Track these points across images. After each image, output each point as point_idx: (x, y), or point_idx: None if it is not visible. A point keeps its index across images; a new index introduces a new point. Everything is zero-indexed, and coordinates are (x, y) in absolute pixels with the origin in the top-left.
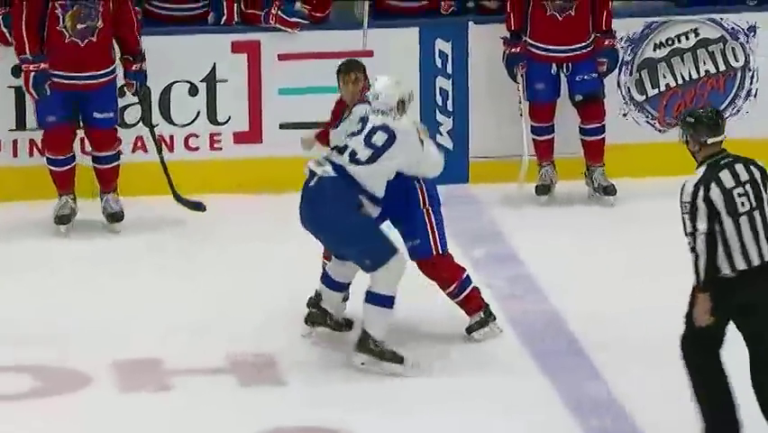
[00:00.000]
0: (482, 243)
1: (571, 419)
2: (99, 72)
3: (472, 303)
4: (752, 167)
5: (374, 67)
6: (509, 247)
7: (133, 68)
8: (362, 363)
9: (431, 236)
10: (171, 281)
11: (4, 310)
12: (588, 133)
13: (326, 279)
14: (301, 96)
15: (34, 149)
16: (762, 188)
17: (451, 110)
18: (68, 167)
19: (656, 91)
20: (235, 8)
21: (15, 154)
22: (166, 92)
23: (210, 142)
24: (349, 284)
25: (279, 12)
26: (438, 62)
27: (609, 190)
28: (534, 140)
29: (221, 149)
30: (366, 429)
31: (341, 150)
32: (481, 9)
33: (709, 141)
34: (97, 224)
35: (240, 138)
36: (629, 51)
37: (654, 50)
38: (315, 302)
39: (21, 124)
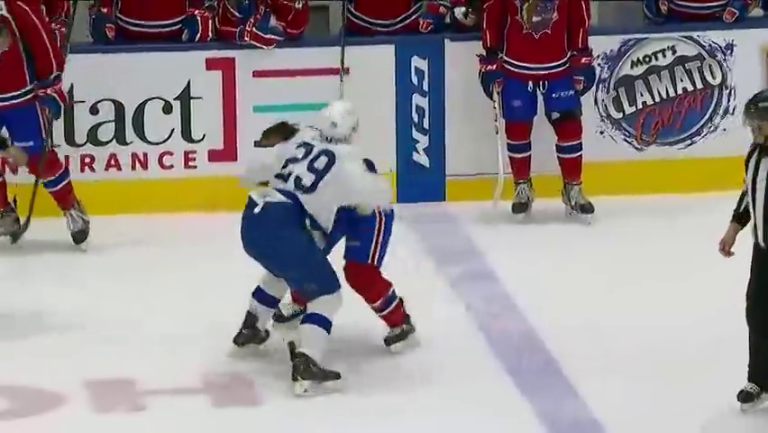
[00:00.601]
0: (459, 261)
1: None
2: (8, 95)
3: (396, 317)
4: None
5: (351, 84)
6: (486, 265)
7: (41, 93)
8: (305, 391)
9: (373, 244)
10: (144, 301)
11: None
12: (564, 150)
13: (257, 292)
14: (276, 113)
15: None
16: None
17: (427, 128)
18: None
19: (633, 109)
20: (210, 25)
21: None
22: (140, 110)
23: (185, 159)
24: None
25: (254, 28)
26: (414, 79)
27: (587, 208)
28: (510, 157)
29: (196, 167)
30: None
31: (284, 177)
32: (458, 26)
33: None
34: (65, 243)
35: (215, 156)
36: (606, 69)
37: (631, 67)
38: (251, 324)
39: None
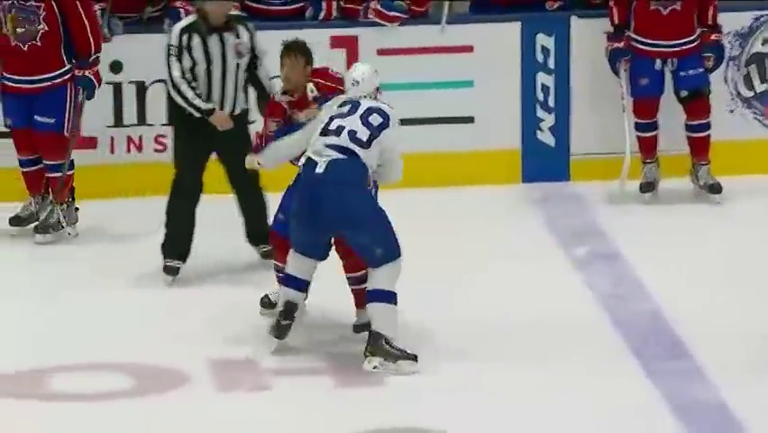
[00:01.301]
0: (584, 241)
1: (676, 423)
2: (43, 76)
3: (363, 297)
4: None
5: (475, 62)
6: (612, 246)
7: (77, 72)
8: (375, 367)
9: None
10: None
11: (103, 307)
12: (693, 129)
13: (291, 281)
14: (400, 91)
15: (131, 145)
16: None
17: (552, 106)
18: (30, 169)
19: (765, 87)
20: (335, 3)
21: (113, 151)
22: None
23: None
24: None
25: (379, 6)
26: (540, 57)
27: (715, 188)
28: (637, 137)
29: None
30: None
31: (336, 132)
32: (586, 2)
33: None
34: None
35: None
36: (737, 46)
37: (763, 44)
38: (291, 314)
39: (118, 120)
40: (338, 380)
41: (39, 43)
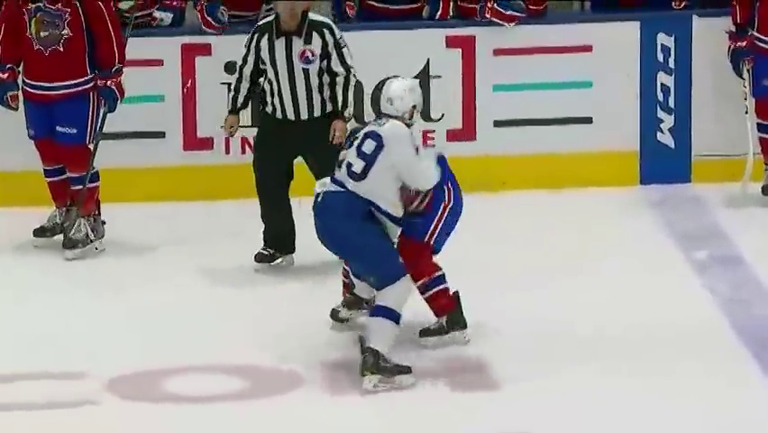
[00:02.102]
0: (705, 244)
1: None
2: (63, 83)
3: (439, 305)
4: None
5: (593, 62)
6: (734, 249)
7: (100, 83)
8: (374, 386)
9: (433, 226)
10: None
11: (213, 313)
12: None
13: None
14: (517, 92)
15: (246, 146)
16: None
17: (672, 107)
18: (54, 179)
19: None
20: (451, 2)
21: (227, 152)
22: (379, 89)
23: (423, 139)
24: None
25: (496, 5)
26: (660, 57)
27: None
28: (760, 138)
29: (434, 146)
30: None
31: (340, 165)
32: (706, 2)
33: None
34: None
35: (453, 136)
36: None
37: None
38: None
39: None
40: (453, 384)
41: (61, 48)
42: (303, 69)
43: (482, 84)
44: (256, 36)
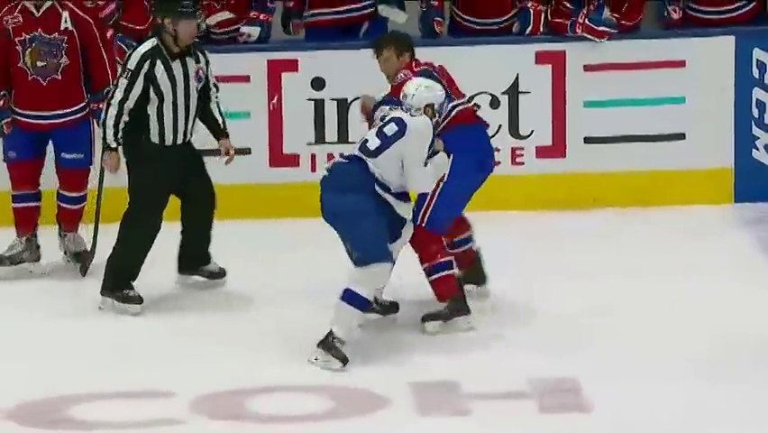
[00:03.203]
0: None
1: None
2: (66, 111)
3: (443, 290)
4: None
5: (686, 77)
6: None
7: (93, 106)
8: (315, 359)
9: (426, 204)
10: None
11: (289, 333)
12: None
13: None
14: (607, 108)
15: None
16: None
17: None
18: (26, 205)
19: None
20: (542, 17)
21: (314, 169)
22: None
23: (512, 156)
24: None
25: (587, 20)
26: (755, 73)
27: None
28: None
29: (523, 163)
30: None
31: (357, 143)
32: None
33: None
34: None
35: (543, 152)
36: None
37: None
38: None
39: (320, 137)
40: (541, 404)
41: (59, 77)
42: (196, 88)
43: (572, 100)
44: (146, 65)
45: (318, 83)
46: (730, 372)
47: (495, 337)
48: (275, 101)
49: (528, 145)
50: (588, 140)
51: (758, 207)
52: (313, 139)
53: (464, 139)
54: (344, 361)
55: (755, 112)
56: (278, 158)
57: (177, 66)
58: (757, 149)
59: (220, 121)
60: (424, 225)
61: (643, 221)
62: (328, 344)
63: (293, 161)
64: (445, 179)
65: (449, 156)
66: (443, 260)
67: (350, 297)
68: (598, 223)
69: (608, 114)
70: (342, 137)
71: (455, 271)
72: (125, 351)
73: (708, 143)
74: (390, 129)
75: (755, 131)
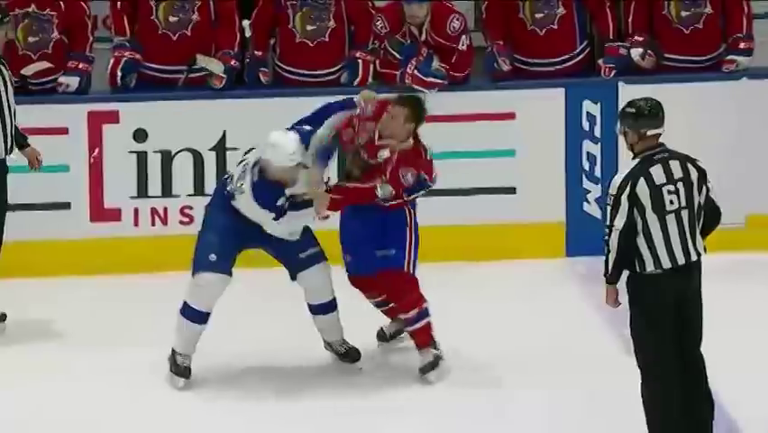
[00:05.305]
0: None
1: None
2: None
3: (425, 336)
4: (689, 165)
5: (517, 129)
6: None
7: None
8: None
9: (408, 252)
10: None
11: None
12: None
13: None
14: (438, 160)
15: (155, 217)
16: (695, 188)
17: (599, 176)
18: None
19: None
20: (370, 67)
21: (136, 223)
22: None
23: None
24: (327, 304)
25: (416, 71)
26: (585, 125)
27: None
28: None
29: None
30: None
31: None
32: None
33: (649, 132)
34: None
35: None
36: None
37: None
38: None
39: (143, 191)
40: None
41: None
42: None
43: None
44: None
45: (141, 135)
46: None
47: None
48: (95, 153)
49: None
50: None
51: (589, 261)
52: (135, 192)
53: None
54: (181, 374)
55: (586, 165)
56: (100, 212)
57: None
58: (588, 202)
59: (20, 129)
60: (411, 269)
61: (474, 275)
62: (171, 359)
63: (115, 215)
64: (413, 227)
65: (407, 209)
66: (425, 307)
67: (182, 308)
68: (424, 277)
69: (438, 166)
70: (167, 190)
71: (431, 317)
72: None
73: (539, 197)
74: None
75: (586, 184)
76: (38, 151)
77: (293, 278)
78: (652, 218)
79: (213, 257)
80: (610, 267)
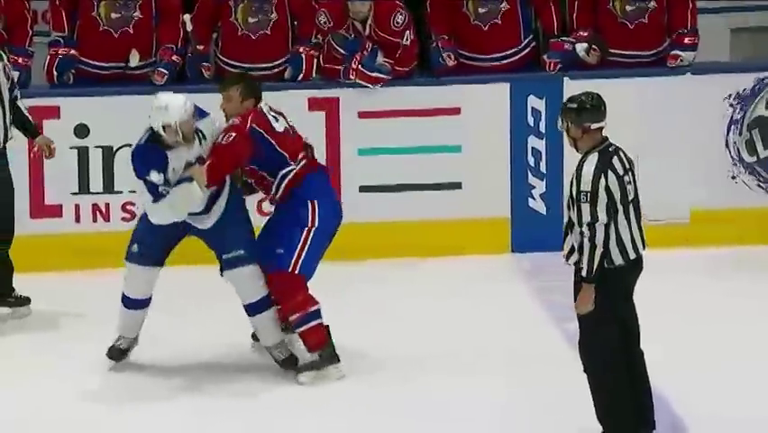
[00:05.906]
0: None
1: None
2: None
3: (314, 339)
4: (628, 155)
5: (462, 124)
6: None
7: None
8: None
9: (296, 253)
10: None
11: None
12: None
13: None
14: (383, 156)
15: (97, 213)
16: (635, 178)
17: (544, 172)
18: None
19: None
20: (314, 63)
21: (78, 220)
22: None
23: None
24: (252, 305)
25: (360, 66)
26: (530, 120)
27: None
28: None
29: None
30: None
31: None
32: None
33: (593, 126)
34: None
35: None
36: (739, 109)
37: (767, 107)
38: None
39: (84, 187)
40: None
41: None
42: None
43: (347, 148)
44: None
45: (82, 130)
46: None
47: None
48: (35, 149)
49: None
50: (363, 189)
51: (534, 257)
52: (77, 188)
53: (319, 185)
54: (114, 358)
55: (531, 160)
56: (40, 209)
57: None
58: (533, 198)
59: (30, 119)
60: (297, 270)
61: (419, 271)
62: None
63: (56, 211)
64: (316, 224)
65: (310, 204)
66: (311, 310)
67: (121, 294)
68: (370, 274)
69: (383, 162)
70: (108, 186)
71: (323, 319)
72: None
73: (484, 192)
74: None
75: (531, 179)
76: (50, 138)
77: (221, 274)
78: (619, 210)
79: (135, 248)
80: (595, 264)
